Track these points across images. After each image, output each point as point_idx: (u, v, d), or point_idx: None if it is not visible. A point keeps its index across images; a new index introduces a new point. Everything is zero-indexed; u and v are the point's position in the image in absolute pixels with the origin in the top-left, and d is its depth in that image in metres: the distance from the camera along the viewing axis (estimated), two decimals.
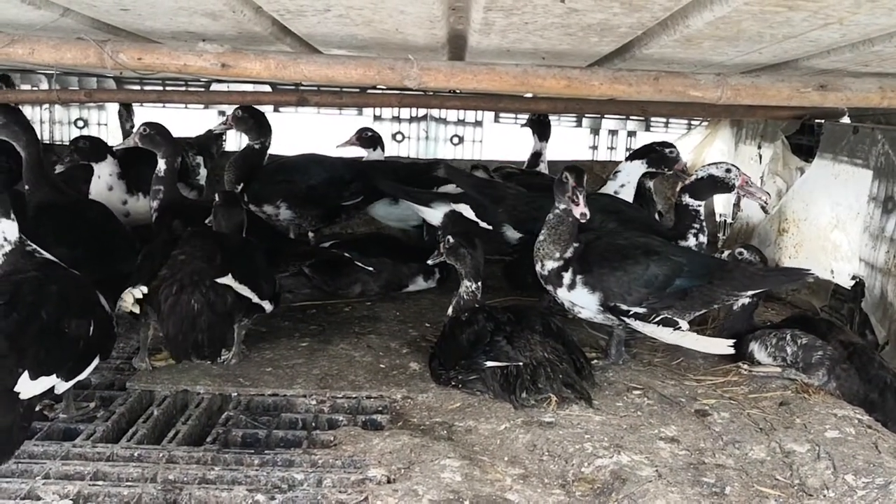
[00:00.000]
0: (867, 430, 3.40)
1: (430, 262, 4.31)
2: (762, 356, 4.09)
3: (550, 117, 7.30)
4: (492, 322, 3.84)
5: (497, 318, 3.86)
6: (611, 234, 3.99)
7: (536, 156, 6.59)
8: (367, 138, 6.41)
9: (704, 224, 4.50)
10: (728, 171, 4.39)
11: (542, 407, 3.54)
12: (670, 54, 3.44)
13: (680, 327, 3.77)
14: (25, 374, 2.84)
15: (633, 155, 5.35)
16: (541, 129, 6.66)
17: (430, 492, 2.82)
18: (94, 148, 5.28)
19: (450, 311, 4.12)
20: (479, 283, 4.11)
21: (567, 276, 3.93)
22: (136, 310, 3.70)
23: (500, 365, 3.62)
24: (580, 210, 3.78)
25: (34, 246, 3.34)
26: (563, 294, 3.98)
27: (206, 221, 4.34)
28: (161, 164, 4.74)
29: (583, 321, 4.28)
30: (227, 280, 3.72)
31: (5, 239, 3.20)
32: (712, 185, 4.42)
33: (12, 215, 3.21)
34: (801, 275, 4.07)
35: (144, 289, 3.63)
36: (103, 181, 5.31)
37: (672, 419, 3.54)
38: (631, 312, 3.83)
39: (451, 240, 4.13)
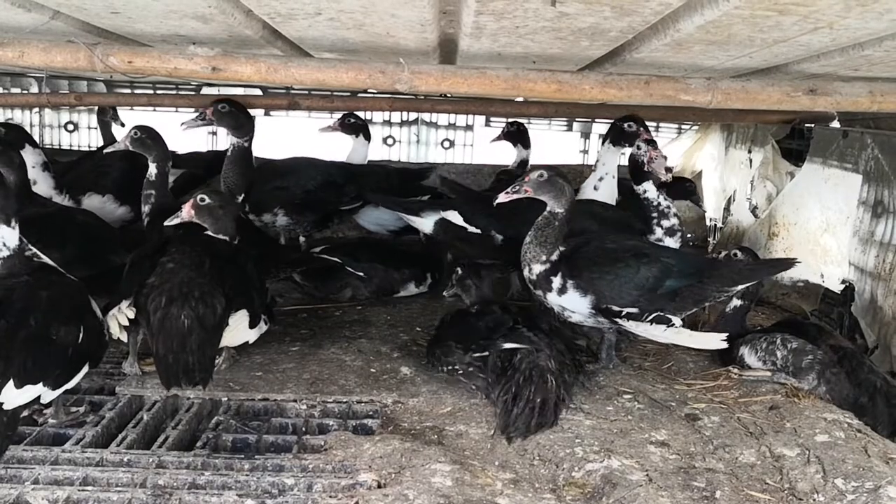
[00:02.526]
0: (857, 434, 3.41)
1: (445, 294, 4.47)
2: (752, 360, 4.10)
3: (543, 122, 7.32)
4: (508, 314, 3.93)
5: (511, 312, 3.96)
6: (599, 237, 3.99)
7: (524, 164, 6.47)
8: (350, 125, 6.20)
9: (665, 208, 4.53)
10: (638, 147, 4.57)
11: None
12: (661, 58, 3.45)
13: (673, 324, 3.75)
14: (10, 383, 2.81)
15: (603, 138, 5.23)
16: (521, 138, 6.49)
17: (420, 496, 2.82)
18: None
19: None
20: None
21: (556, 281, 3.90)
22: (124, 337, 3.65)
23: (516, 347, 3.66)
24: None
25: (34, 250, 3.33)
26: (553, 299, 3.95)
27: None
28: (152, 169, 4.68)
29: (574, 326, 4.28)
30: (230, 335, 3.70)
31: (4, 245, 3.20)
32: (635, 164, 4.56)
33: (13, 223, 3.21)
34: (788, 264, 4.03)
35: (131, 313, 3.55)
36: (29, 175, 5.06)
37: (662, 423, 3.54)
38: (623, 313, 3.82)
39: (460, 271, 4.27)
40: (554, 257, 3.90)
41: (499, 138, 6.62)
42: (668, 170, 4.51)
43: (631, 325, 3.80)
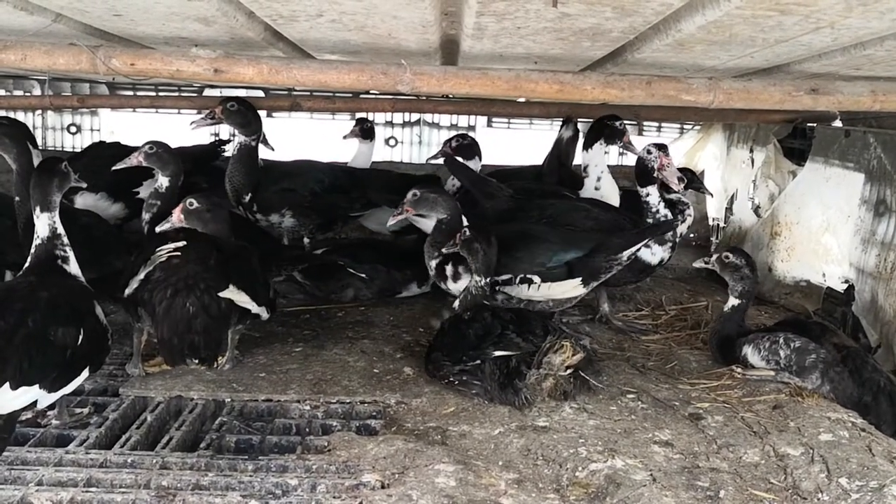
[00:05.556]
0: (861, 433, 3.41)
1: (444, 250, 4.31)
2: (756, 359, 4.09)
3: (545, 122, 7.30)
4: (498, 320, 3.89)
5: (502, 317, 3.91)
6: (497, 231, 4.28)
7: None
8: (367, 129, 6.49)
9: (662, 216, 4.59)
10: (648, 151, 4.66)
11: (538, 407, 3.57)
12: (662, 58, 3.45)
13: (535, 283, 4.19)
14: (6, 386, 2.79)
15: (588, 141, 5.16)
16: (468, 151, 6.06)
17: (424, 497, 2.82)
18: None
19: (456, 304, 4.18)
20: (489, 279, 4.13)
21: (449, 269, 4.36)
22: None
23: (507, 354, 3.67)
24: None
25: (67, 254, 3.39)
26: (452, 286, 4.36)
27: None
28: (164, 181, 4.56)
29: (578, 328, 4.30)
30: (229, 293, 3.68)
31: (37, 232, 3.36)
32: (643, 167, 4.70)
33: (46, 212, 3.36)
34: (667, 226, 4.52)
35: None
36: None
37: (666, 423, 3.54)
38: (500, 281, 4.21)
39: (468, 232, 4.15)
40: (444, 250, 4.28)
41: (444, 155, 6.13)
42: (681, 179, 4.50)
43: (509, 289, 4.25)
